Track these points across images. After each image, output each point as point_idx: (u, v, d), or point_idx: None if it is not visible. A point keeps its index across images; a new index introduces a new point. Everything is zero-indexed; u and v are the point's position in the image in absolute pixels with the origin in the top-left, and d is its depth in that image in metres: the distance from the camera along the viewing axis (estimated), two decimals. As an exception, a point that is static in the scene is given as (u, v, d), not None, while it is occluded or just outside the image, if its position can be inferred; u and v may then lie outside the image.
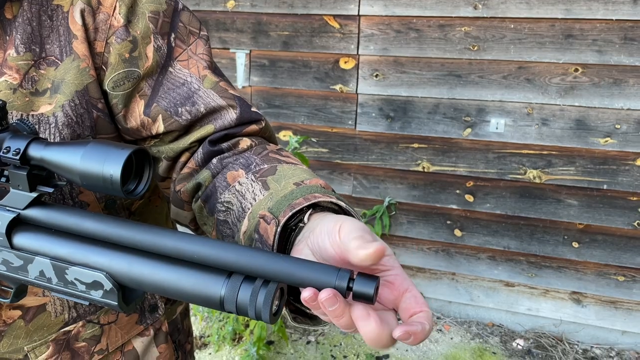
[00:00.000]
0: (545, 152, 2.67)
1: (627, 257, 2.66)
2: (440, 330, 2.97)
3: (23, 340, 0.81)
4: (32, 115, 0.72)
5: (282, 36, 2.94)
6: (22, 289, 0.68)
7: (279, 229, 0.60)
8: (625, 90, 2.48)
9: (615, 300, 2.75)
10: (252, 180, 0.70)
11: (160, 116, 0.78)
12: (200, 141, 0.79)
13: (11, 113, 0.71)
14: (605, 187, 2.61)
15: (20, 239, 0.61)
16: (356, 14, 2.78)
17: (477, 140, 2.75)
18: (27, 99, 0.72)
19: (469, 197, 2.83)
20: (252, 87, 3.07)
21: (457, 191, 2.85)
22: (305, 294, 0.50)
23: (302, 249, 0.57)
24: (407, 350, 2.83)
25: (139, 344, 0.93)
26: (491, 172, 2.77)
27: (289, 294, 0.61)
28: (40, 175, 0.61)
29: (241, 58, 3.04)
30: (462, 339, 2.90)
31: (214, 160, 0.77)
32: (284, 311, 0.60)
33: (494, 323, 3.00)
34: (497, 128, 2.70)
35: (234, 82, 3.07)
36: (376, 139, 2.92)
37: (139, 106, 0.78)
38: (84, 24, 0.74)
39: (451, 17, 2.64)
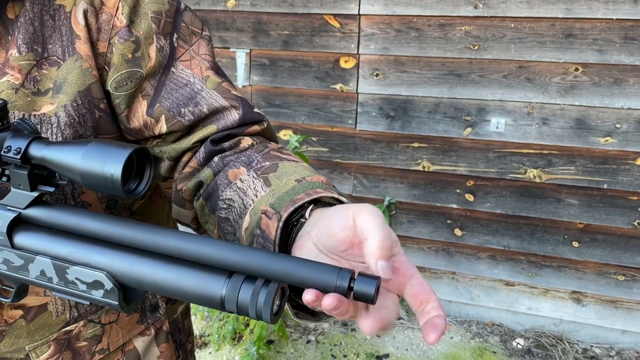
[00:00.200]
0: (545, 152, 2.67)
1: (627, 256, 2.66)
2: (440, 329, 2.97)
3: (24, 340, 0.81)
4: (34, 115, 0.72)
5: (282, 35, 2.94)
6: (23, 289, 0.68)
7: (281, 224, 0.60)
8: (625, 90, 2.48)
9: (616, 300, 2.75)
10: (253, 177, 0.70)
11: (163, 116, 0.78)
12: (202, 141, 0.79)
13: (13, 113, 0.71)
14: (605, 186, 2.61)
15: (21, 239, 0.61)
16: (356, 13, 2.78)
17: (478, 139, 2.75)
18: (29, 99, 0.72)
19: (469, 197, 2.84)
20: (253, 87, 3.07)
21: (458, 190, 2.85)
22: (307, 296, 0.50)
23: (305, 243, 0.57)
24: (407, 350, 2.83)
25: (140, 343, 0.93)
26: (491, 171, 2.77)
27: (291, 290, 0.61)
28: (41, 174, 0.61)
29: (241, 57, 3.04)
30: (462, 338, 2.90)
31: (216, 159, 0.77)
32: (286, 308, 0.60)
33: (494, 322, 3.00)
34: (497, 127, 2.70)
35: (234, 82, 3.07)
36: (376, 138, 2.92)
37: (141, 106, 0.78)
38: (87, 24, 0.74)
39: (451, 16, 2.64)
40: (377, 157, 2.94)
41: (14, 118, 0.71)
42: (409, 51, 2.75)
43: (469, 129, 2.75)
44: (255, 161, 0.73)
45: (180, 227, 1.33)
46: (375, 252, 0.50)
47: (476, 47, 2.64)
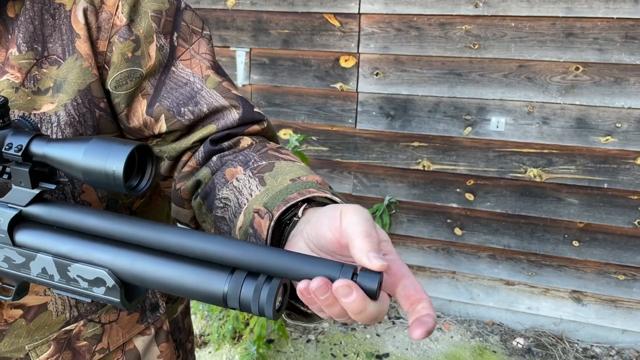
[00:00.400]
0: (545, 151, 2.67)
1: (628, 255, 2.66)
2: (441, 328, 2.97)
3: (24, 340, 0.81)
4: (34, 114, 0.72)
5: (282, 34, 2.94)
6: (23, 287, 0.68)
7: (272, 223, 0.60)
8: (626, 89, 2.48)
9: (616, 299, 2.75)
10: (249, 176, 0.70)
11: (162, 116, 0.78)
12: (202, 141, 0.79)
13: (13, 112, 0.71)
14: (605, 185, 2.61)
15: (22, 236, 0.60)
16: (356, 12, 2.77)
17: (478, 138, 2.75)
18: (29, 97, 0.72)
19: (469, 196, 2.83)
20: (252, 86, 3.07)
21: (458, 190, 2.85)
22: (302, 285, 0.50)
23: (297, 242, 0.57)
24: (407, 349, 2.83)
25: (140, 343, 0.93)
26: (491, 170, 2.77)
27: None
28: (42, 172, 0.61)
29: (241, 56, 3.04)
30: (462, 337, 2.90)
31: (214, 158, 0.77)
32: None
33: (494, 322, 3.00)
34: (497, 127, 2.70)
35: (234, 81, 3.06)
36: (376, 137, 2.92)
37: (141, 106, 0.78)
38: (87, 23, 0.74)
39: (452, 15, 2.63)
40: (377, 156, 2.94)
41: (14, 117, 0.71)
42: (409, 50, 2.74)
43: (469, 128, 2.75)
44: (252, 160, 0.73)
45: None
46: (362, 246, 0.49)
47: (476, 46, 2.63)
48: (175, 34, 0.80)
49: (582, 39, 2.49)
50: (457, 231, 2.91)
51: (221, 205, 0.72)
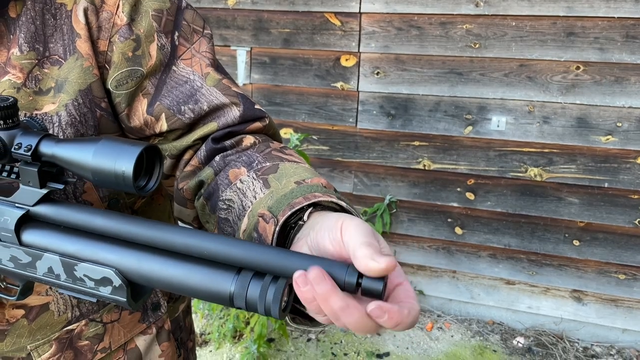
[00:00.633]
0: (546, 150, 2.67)
1: (628, 255, 2.66)
2: (441, 328, 2.97)
3: (26, 339, 0.81)
4: (36, 114, 0.72)
5: (283, 33, 2.94)
6: (28, 287, 0.68)
7: (277, 229, 0.60)
8: (626, 88, 2.48)
9: (616, 299, 2.75)
10: (253, 178, 0.70)
11: (163, 115, 0.78)
12: (203, 139, 0.79)
13: (15, 112, 0.71)
14: (606, 185, 2.61)
15: (29, 236, 0.61)
16: (357, 11, 2.77)
17: (478, 138, 2.75)
18: (31, 98, 0.72)
19: (470, 195, 2.83)
20: (253, 85, 3.06)
21: (458, 189, 2.85)
22: (296, 274, 0.49)
23: (301, 246, 0.57)
24: (407, 348, 2.83)
25: (141, 342, 0.93)
26: (492, 170, 2.77)
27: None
28: (50, 171, 0.61)
29: (242, 55, 3.04)
30: (463, 336, 2.90)
31: (217, 158, 0.76)
32: None
33: (494, 321, 3.00)
34: (498, 126, 2.70)
35: (235, 80, 3.06)
36: (377, 136, 2.92)
37: (142, 105, 0.78)
38: (87, 23, 0.73)
39: (452, 14, 2.63)
40: (378, 155, 2.94)
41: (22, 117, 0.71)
42: (410, 49, 2.74)
43: (470, 128, 2.75)
44: (256, 161, 0.73)
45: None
46: (365, 253, 0.49)
47: (477, 46, 2.63)
48: (176, 33, 0.80)
49: (583, 39, 2.48)
50: (458, 230, 2.91)
51: (225, 206, 0.71)
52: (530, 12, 2.52)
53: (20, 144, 0.59)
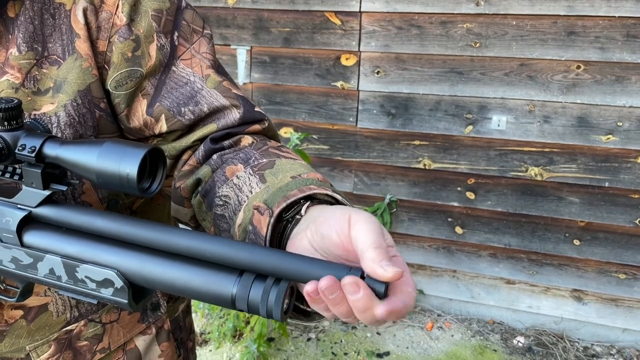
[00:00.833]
0: (547, 150, 2.66)
1: (629, 254, 2.66)
2: (441, 327, 2.97)
3: (25, 340, 0.81)
4: (35, 115, 0.72)
5: (283, 32, 2.93)
6: (28, 288, 0.68)
7: (272, 220, 0.60)
8: (627, 88, 2.48)
9: (616, 298, 2.75)
10: (249, 173, 0.70)
11: (163, 116, 0.78)
12: (202, 139, 0.79)
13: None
14: (606, 184, 2.61)
15: (31, 237, 0.61)
16: (357, 10, 2.77)
17: (479, 137, 2.75)
18: (29, 98, 0.72)
19: (470, 195, 2.83)
20: (253, 84, 3.06)
21: (459, 188, 2.85)
22: (309, 286, 0.50)
23: (301, 240, 0.57)
24: (407, 348, 2.83)
25: (141, 342, 0.93)
26: (492, 169, 2.76)
27: None
28: (53, 173, 0.61)
29: (242, 54, 3.03)
30: (463, 336, 2.90)
31: (214, 157, 0.76)
32: None
33: (494, 320, 3.00)
34: (498, 125, 2.70)
35: (235, 79, 3.06)
36: (377, 136, 2.92)
37: (141, 106, 0.78)
38: (87, 23, 0.73)
39: (453, 13, 2.63)
40: (378, 154, 2.93)
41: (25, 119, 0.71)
42: (410, 48, 2.74)
43: (470, 127, 2.75)
44: (253, 158, 0.73)
45: (179, 226, 1.33)
46: (374, 257, 0.49)
47: (478, 45, 2.63)
48: (176, 34, 0.80)
49: (584, 38, 2.48)
50: (458, 230, 2.91)
51: (221, 203, 0.71)
52: (531, 12, 2.51)
53: (24, 145, 0.59)
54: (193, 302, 2.84)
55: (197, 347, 2.83)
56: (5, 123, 0.58)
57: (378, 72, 2.82)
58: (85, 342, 0.85)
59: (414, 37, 2.72)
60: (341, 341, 2.88)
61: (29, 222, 0.61)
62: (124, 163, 0.55)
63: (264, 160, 0.71)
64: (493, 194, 2.80)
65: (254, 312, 0.52)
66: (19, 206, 0.61)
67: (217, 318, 2.91)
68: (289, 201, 0.60)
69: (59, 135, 0.73)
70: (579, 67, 2.52)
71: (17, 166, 0.62)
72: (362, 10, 2.76)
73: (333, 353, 2.80)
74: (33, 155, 0.58)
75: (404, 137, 2.87)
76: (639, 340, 2.78)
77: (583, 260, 2.74)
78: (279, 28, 2.94)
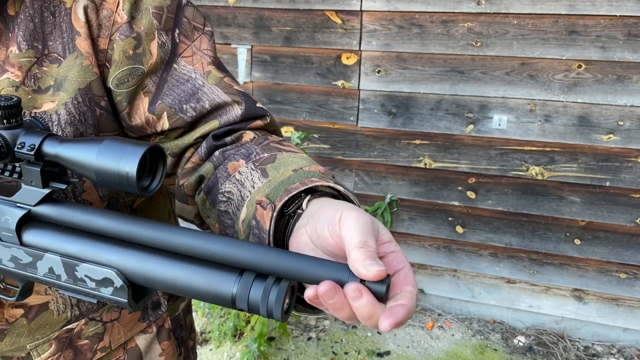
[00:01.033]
0: (547, 149, 2.66)
1: (629, 254, 2.66)
2: (442, 327, 2.97)
3: (25, 339, 0.81)
4: (35, 113, 0.72)
5: (283, 31, 2.93)
6: (28, 287, 0.68)
7: (275, 214, 0.60)
8: (628, 87, 2.47)
9: (617, 298, 2.75)
10: (251, 168, 0.70)
11: (165, 113, 0.78)
12: (204, 136, 0.79)
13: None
14: (607, 184, 2.61)
15: (30, 236, 0.60)
16: (358, 9, 2.77)
17: (480, 136, 2.75)
18: (30, 96, 0.72)
19: (471, 194, 2.83)
20: (254, 83, 3.06)
21: (459, 188, 2.84)
22: (309, 292, 0.50)
23: (302, 235, 0.57)
24: (408, 347, 2.83)
25: (141, 341, 0.93)
26: (493, 168, 2.76)
27: None
28: (53, 171, 0.61)
29: (243, 53, 3.03)
30: (464, 335, 2.90)
31: (217, 153, 0.76)
32: None
33: (495, 320, 3.00)
34: (499, 124, 2.70)
35: (236, 78, 3.05)
36: (378, 135, 2.91)
37: (143, 103, 0.78)
38: (87, 21, 0.73)
39: (454, 12, 2.62)
40: (379, 154, 2.93)
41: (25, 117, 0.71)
42: (411, 48, 2.74)
43: (471, 126, 2.74)
44: (254, 153, 0.73)
45: (183, 224, 1.32)
46: (357, 257, 0.49)
47: (478, 44, 2.63)
48: (177, 31, 0.79)
49: (585, 37, 2.48)
50: (459, 229, 2.91)
51: (224, 199, 0.71)
52: (532, 11, 2.51)
53: (24, 143, 0.59)
54: (193, 301, 2.84)
55: (198, 347, 2.83)
56: (5, 121, 0.58)
57: (379, 71, 2.82)
58: (86, 341, 0.85)
59: (415, 36, 2.72)
60: (342, 340, 2.88)
61: (28, 220, 0.61)
62: (123, 161, 0.55)
63: (266, 154, 0.71)
64: (494, 193, 2.80)
65: (254, 312, 0.52)
66: (18, 205, 0.61)
67: (217, 317, 2.91)
68: (291, 194, 0.60)
69: (60, 133, 0.73)
70: (580, 66, 2.52)
71: (16, 164, 0.61)
72: (363, 9, 2.76)
73: (333, 352, 2.79)
74: (32, 153, 0.58)
75: (404, 137, 2.87)
76: (640, 340, 2.78)
77: (584, 259, 2.74)
78: (279, 27, 2.93)
